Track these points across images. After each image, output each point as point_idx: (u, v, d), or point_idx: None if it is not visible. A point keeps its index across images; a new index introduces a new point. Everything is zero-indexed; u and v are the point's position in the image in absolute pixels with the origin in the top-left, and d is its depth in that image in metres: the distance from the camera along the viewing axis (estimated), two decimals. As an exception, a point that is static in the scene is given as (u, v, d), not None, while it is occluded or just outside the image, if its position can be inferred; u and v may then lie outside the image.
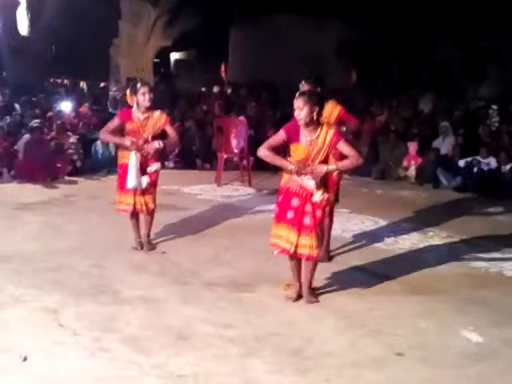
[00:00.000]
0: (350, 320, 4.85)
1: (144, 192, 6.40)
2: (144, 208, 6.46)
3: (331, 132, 4.90)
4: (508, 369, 4.17)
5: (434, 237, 7.41)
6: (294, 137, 4.93)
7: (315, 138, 4.88)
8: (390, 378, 3.98)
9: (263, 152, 5.03)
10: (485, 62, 16.55)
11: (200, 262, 6.19)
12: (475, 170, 10.62)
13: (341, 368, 4.08)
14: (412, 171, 11.43)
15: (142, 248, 6.54)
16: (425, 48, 17.56)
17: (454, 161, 11.30)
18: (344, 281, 5.67)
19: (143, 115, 6.33)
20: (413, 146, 11.82)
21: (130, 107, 6.39)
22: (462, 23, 15.86)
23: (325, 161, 4.96)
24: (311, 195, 4.92)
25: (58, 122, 12.13)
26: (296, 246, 4.97)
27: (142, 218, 6.61)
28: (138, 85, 6.35)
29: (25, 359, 4.03)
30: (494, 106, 13.47)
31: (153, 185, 6.46)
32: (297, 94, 4.94)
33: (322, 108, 4.92)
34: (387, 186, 10.93)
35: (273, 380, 3.90)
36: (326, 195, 4.95)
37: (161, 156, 6.64)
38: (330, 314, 4.95)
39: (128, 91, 6.46)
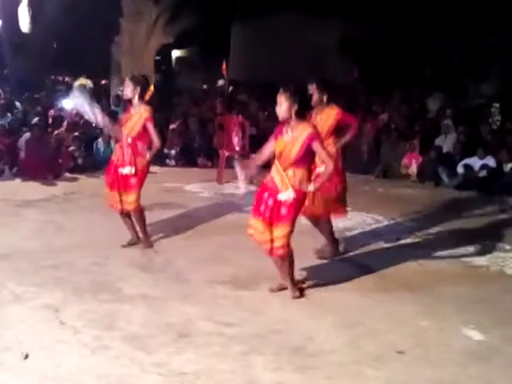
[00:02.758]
0: (350, 318, 4.85)
1: (126, 190, 6.36)
2: (119, 206, 6.42)
3: (307, 131, 4.99)
4: (509, 367, 4.17)
5: (435, 234, 7.40)
6: (279, 132, 5.13)
7: (293, 133, 5.01)
8: (390, 376, 3.98)
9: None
10: (488, 59, 16.51)
11: (200, 260, 6.19)
12: (476, 169, 10.62)
13: (342, 366, 4.09)
14: (414, 169, 11.42)
15: (129, 245, 6.55)
16: (428, 45, 17.51)
17: (455, 159, 11.28)
18: (344, 279, 5.67)
19: (134, 109, 6.39)
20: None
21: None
22: (466, 20, 15.81)
23: (304, 159, 5.02)
24: (277, 192, 5.04)
25: (68, 120, 12.17)
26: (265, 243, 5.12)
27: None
28: (128, 77, 6.47)
29: (26, 357, 4.03)
30: (496, 104, 13.44)
31: (133, 185, 6.36)
32: (280, 90, 5.06)
33: (303, 107, 5.05)
34: (389, 184, 10.92)
35: (274, 378, 3.91)
36: (292, 195, 4.99)
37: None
38: (329, 312, 4.95)
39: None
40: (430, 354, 4.29)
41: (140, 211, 6.51)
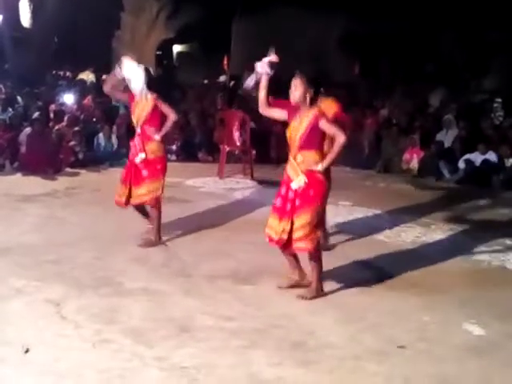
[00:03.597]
0: (351, 313, 4.85)
1: (137, 183, 6.35)
2: (123, 199, 6.39)
3: (312, 112, 4.99)
4: (510, 362, 4.17)
5: (437, 230, 7.39)
6: (291, 116, 5.10)
7: (300, 118, 5.00)
8: (391, 371, 3.98)
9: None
10: (489, 54, 16.48)
11: (202, 254, 6.19)
12: (477, 164, 10.60)
13: (342, 360, 4.09)
14: (415, 164, 11.40)
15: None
16: (429, 41, 17.49)
17: (456, 154, 11.26)
18: (345, 274, 5.67)
19: (138, 97, 6.38)
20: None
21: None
22: (466, 16, 15.79)
23: (312, 140, 4.98)
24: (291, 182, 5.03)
25: (69, 114, 12.16)
26: (282, 234, 5.02)
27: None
28: None
29: (27, 351, 4.03)
30: (499, 99, 13.39)
31: (149, 176, 6.36)
32: (296, 74, 5.05)
33: (316, 93, 5.04)
34: (390, 179, 10.90)
35: (275, 372, 3.90)
36: (303, 181, 4.95)
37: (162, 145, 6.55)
38: (330, 307, 4.95)
39: None
40: (431, 349, 4.29)
41: (155, 206, 6.44)
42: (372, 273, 5.78)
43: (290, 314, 4.79)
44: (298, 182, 4.96)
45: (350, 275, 5.64)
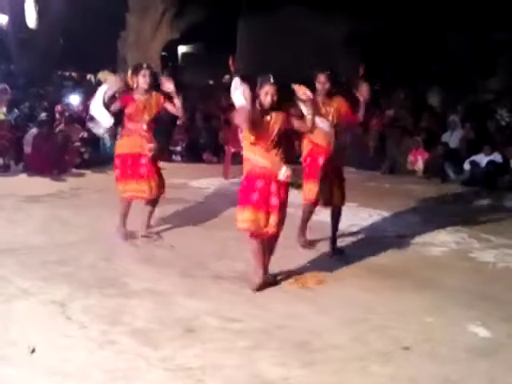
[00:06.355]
0: (356, 314, 4.85)
1: (149, 177, 6.50)
2: (149, 193, 6.52)
3: (282, 115, 5.14)
4: (515, 363, 4.16)
5: (442, 231, 7.38)
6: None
7: (274, 118, 5.13)
8: (396, 372, 3.98)
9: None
10: (495, 54, 16.45)
11: (207, 254, 6.20)
12: (482, 165, 10.59)
13: (347, 361, 4.09)
14: (420, 165, 11.40)
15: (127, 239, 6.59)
16: (434, 40, 17.46)
17: (461, 155, 11.25)
18: (350, 274, 5.67)
19: (144, 96, 6.44)
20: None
21: (129, 91, 6.48)
22: (472, 15, 15.76)
23: (283, 139, 5.17)
24: (276, 176, 5.09)
25: (67, 114, 12.16)
26: (271, 227, 5.16)
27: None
28: (143, 65, 6.50)
29: (33, 351, 4.05)
30: (505, 100, 13.36)
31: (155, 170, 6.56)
32: (271, 82, 5.13)
33: (279, 95, 5.15)
34: (395, 180, 10.90)
35: (279, 373, 3.91)
36: (289, 171, 5.07)
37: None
38: (336, 308, 4.95)
39: (130, 71, 6.54)
40: (435, 351, 4.29)
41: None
42: (377, 273, 5.77)
43: (294, 315, 4.80)
44: (284, 172, 5.07)
45: (354, 275, 5.65)
